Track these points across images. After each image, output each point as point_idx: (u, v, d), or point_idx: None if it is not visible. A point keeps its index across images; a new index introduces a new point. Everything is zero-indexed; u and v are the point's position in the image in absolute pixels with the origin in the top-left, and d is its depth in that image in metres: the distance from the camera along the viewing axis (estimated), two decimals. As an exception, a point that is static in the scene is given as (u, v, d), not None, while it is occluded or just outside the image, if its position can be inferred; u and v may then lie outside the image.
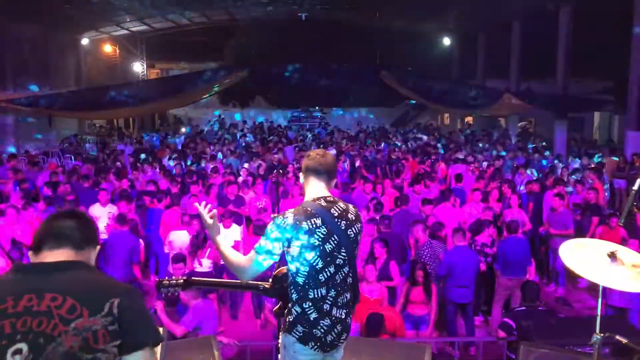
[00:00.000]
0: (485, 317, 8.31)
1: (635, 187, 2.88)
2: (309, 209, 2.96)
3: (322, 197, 3.03)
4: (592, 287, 8.04)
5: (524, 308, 6.08)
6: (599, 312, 2.79)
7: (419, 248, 7.71)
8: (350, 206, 3.15)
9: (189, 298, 5.95)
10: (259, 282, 3.30)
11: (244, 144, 19.09)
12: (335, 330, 2.96)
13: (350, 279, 3.05)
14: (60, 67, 23.57)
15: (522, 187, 10.96)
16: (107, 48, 28.44)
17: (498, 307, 7.82)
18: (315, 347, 2.92)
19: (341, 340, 3.03)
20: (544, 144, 18.65)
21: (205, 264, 7.76)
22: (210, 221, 3.11)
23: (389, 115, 30.69)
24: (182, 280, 3.04)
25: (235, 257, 3.06)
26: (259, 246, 2.96)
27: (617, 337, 2.64)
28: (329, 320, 2.93)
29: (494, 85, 23.53)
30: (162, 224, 8.97)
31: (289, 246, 2.91)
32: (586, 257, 2.89)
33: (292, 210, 2.99)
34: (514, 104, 18.34)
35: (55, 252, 2.00)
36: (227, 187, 10.27)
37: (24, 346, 1.76)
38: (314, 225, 2.90)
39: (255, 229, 7.95)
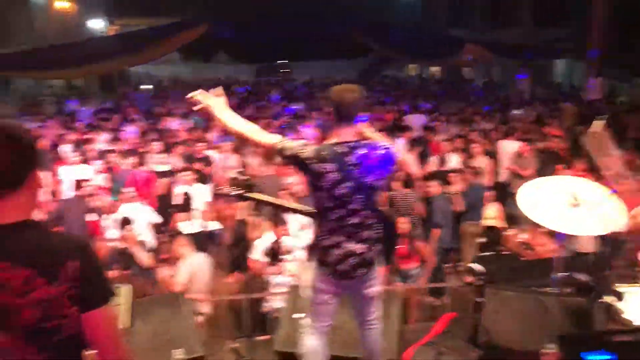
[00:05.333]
0: (454, 263, 8.46)
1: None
2: None
3: None
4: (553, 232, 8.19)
5: (488, 253, 6.20)
6: (559, 255, 2.86)
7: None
8: None
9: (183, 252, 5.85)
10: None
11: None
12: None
13: None
14: (11, 25, 22.50)
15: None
16: (63, 4, 27.15)
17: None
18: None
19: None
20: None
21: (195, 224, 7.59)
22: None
23: (353, 68, 30.19)
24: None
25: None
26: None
27: (575, 275, 2.72)
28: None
29: (457, 34, 23.46)
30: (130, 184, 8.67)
31: None
32: (544, 201, 2.88)
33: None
34: (478, 53, 18.31)
35: None
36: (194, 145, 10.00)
37: None
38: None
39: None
